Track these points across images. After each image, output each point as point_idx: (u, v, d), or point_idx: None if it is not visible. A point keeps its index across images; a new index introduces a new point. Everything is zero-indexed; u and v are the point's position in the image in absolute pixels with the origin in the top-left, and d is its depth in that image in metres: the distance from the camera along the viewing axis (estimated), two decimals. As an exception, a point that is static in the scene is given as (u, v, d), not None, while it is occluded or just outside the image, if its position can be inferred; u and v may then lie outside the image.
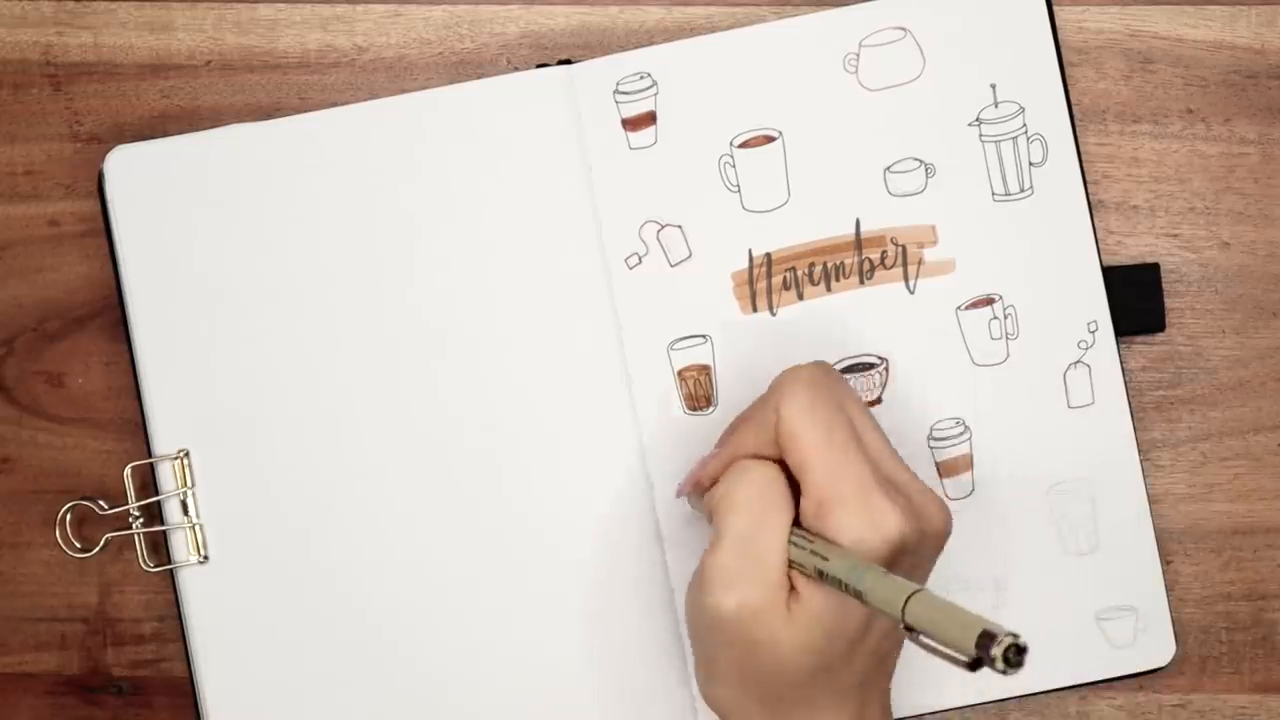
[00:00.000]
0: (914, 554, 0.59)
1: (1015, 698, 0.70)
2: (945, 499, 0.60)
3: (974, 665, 0.51)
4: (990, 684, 0.70)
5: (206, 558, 0.70)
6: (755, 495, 0.60)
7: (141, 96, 0.73)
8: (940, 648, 0.52)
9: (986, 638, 0.50)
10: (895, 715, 0.70)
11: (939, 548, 0.61)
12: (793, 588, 0.58)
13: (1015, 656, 0.50)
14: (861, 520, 0.57)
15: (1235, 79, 0.71)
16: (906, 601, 0.53)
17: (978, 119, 0.70)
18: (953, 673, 0.69)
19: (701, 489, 0.64)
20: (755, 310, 0.70)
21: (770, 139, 0.70)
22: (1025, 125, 0.70)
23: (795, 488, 0.60)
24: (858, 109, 0.70)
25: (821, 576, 0.57)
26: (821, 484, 0.58)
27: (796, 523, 0.59)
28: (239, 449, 0.70)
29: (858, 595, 0.56)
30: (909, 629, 0.53)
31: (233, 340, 0.70)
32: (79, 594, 0.73)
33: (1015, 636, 0.50)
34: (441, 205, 0.70)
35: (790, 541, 0.59)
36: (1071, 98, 0.70)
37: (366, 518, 0.70)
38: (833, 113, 0.70)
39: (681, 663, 0.69)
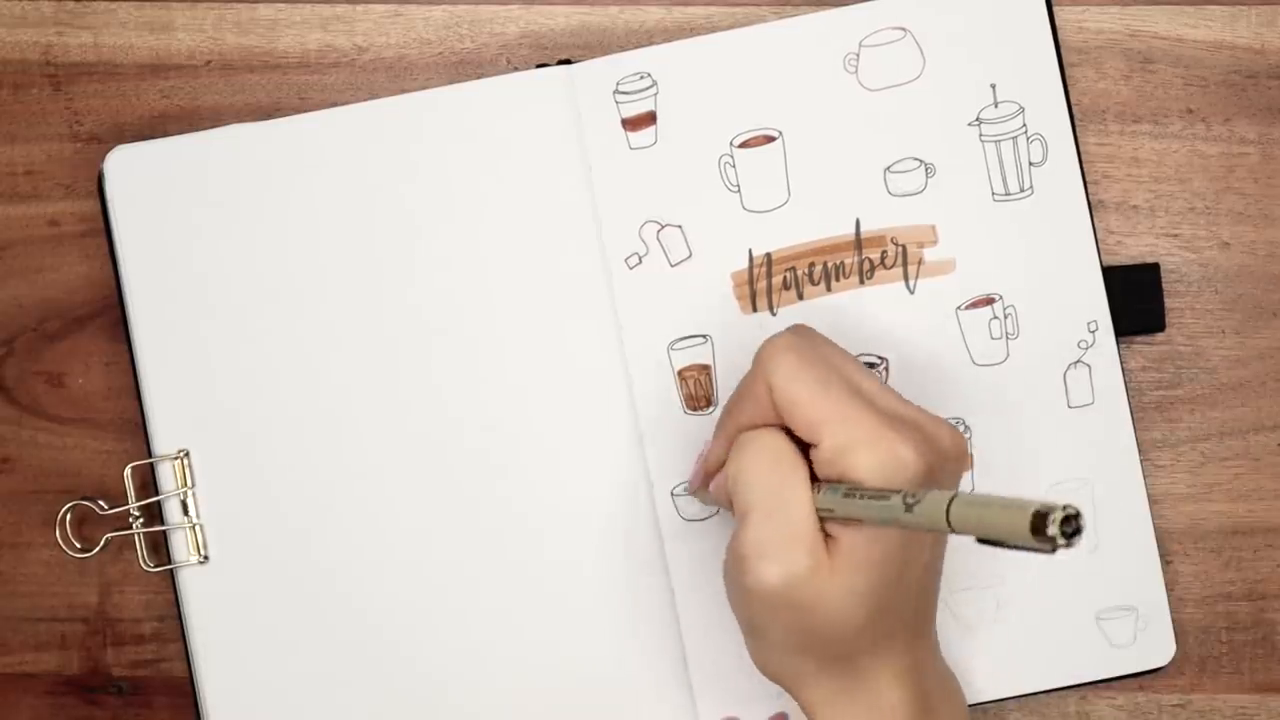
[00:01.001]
0: (936, 482, 0.59)
1: (1015, 697, 0.70)
2: (952, 424, 0.60)
3: (1044, 547, 0.50)
4: (990, 684, 0.70)
5: (206, 558, 0.70)
6: (767, 462, 0.59)
7: (141, 96, 0.73)
8: (1001, 539, 0.51)
9: (1039, 518, 0.49)
10: (895, 715, 0.70)
11: (959, 472, 0.61)
12: (828, 537, 0.58)
13: (1072, 527, 0.49)
14: (880, 459, 0.57)
15: (1235, 79, 0.71)
16: (949, 509, 0.52)
17: (978, 119, 0.70)
18: (954, 673, 0.70)
19: (709, 478, 0.64)
20: (755, 310, 0.70)
21: (770, 139, 0.70)
22: (1025, 125, 0.70)
23: (800, 446, 0.60)
24: (858, 109, 0.70)
25: (850, 521, 0.57)
26: (833, 434, 0.58)
27: (812, 477, 0.59)
28: (239, 449, 0.70)
29: (897, 522, 0.55)
30: (977, 538, 0.52)
31: (233, 340, 0.70)
32: (79, 594, 0.73)
33: (1066, 508, 0.49)
34: (441, 205, 0.70)
35: (814, 494, 0.59)
36: (1071, 98, 0.70)
37: (366, 517, 0.70)
38: (833, 113, 0.70)
39: (681, 661, 0.70)
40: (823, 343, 0.62)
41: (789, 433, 0.60)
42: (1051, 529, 0.49)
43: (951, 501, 0.52)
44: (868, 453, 0.57)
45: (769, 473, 0.59)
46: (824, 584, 0.58)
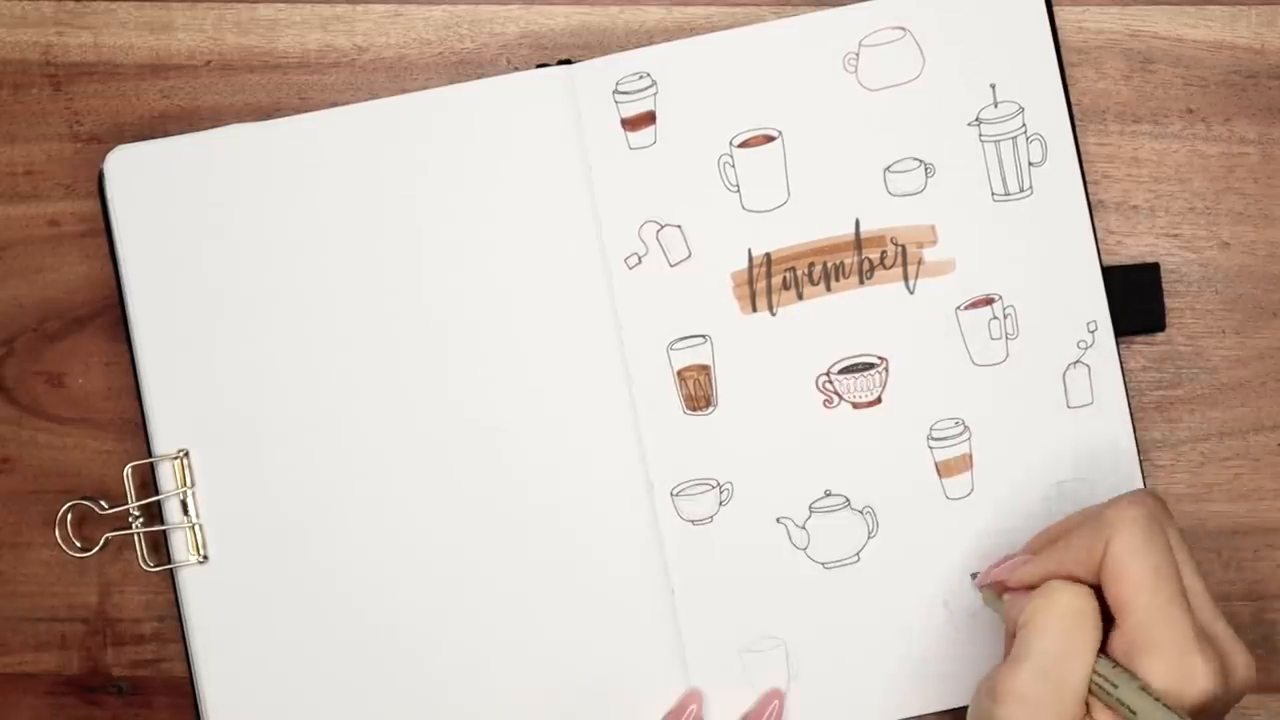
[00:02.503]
0: (1218, 710, 0.59)
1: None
2: (1250, 656, 0.60)
3: None
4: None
5: (206, 558, 0.70)
6: (1067, 621, 0.59)
7: (141, 96, 0.73)
8: None
9: None
10: (893, 715, 0.70)
11: (1239, 700, 0.60)
12: (1088, 713, 0.58)
13: None
14: (1174, 672, 0.57)
15: (1235, 79, 0.71)
16: None
17: (977, 119, 0.70)
18: (951, 673, 0.70)
19: (1003, 589, 0.64)
20: (755, 310, 0.70)
21: (770, 139, 0.70)
22: (1025, 125, 0.70)
23: (1105, 615, 0.59)
24: (857, 109, 0.70)
25: (1119, 705, 0.57)
26: (1140, 628, 0.58)
27: (1102, 650, 0.59)
28: (239, 449, 0.70)
29: None
30: None
31: (233, 340, 0.70)
32: (79, 594, 0.73)
33: None
34: (441, 205, 0.70)
35: (1097, 672, 0.58)
36: (1071, 98, 0.70)
37: (366, 517, 0.70)
38: (832, 112, 0.70)
39: (680, 661, 0.69)
40: (1171, 526, 0.61)
41: (1098, 591, 0.60)
42: None
43: None
44: (1166, 660, 0.57)
45: (1064, 634, 0.59)
46: None
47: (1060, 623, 0.59)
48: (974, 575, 0.69)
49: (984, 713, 0.60)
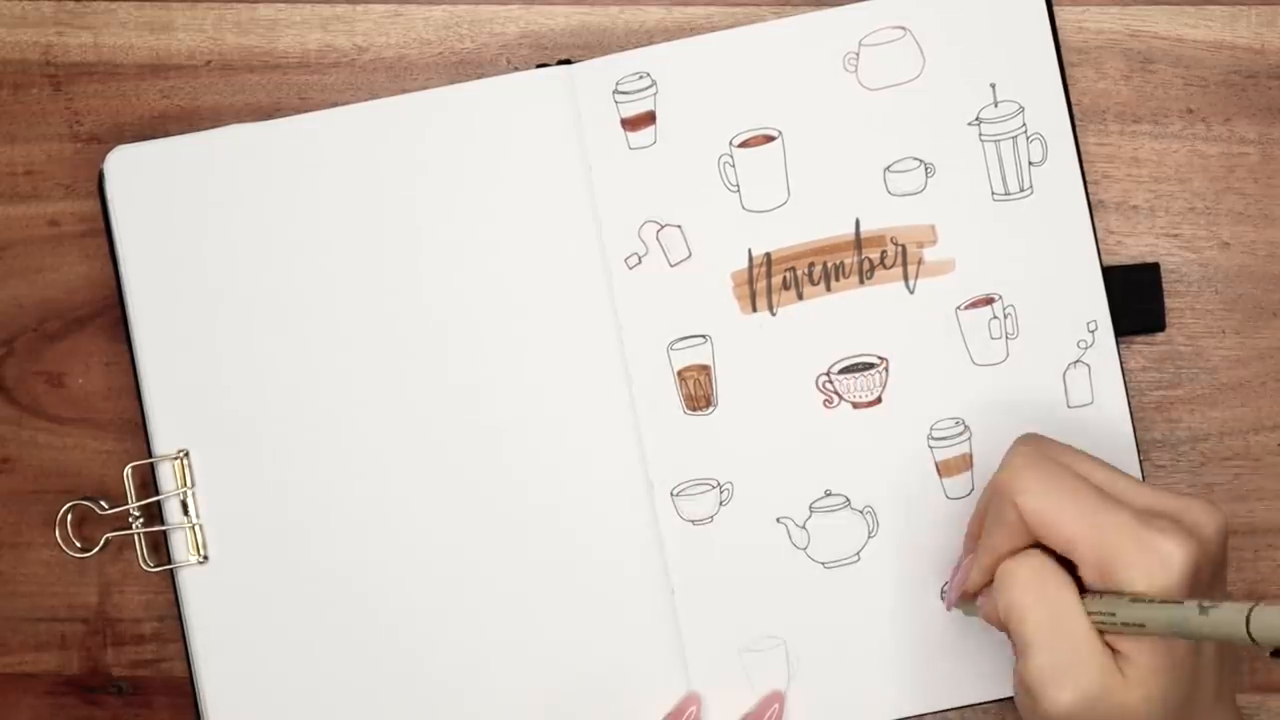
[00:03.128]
0: (1208, 564, 0.58)
1: (1014, 698, 0.70)
2: (1205, 499, 0.60)
3: None
4: (991, 685, 0.70)
5: (206, 558, 0.70)
6: (1036, 590, 0.59)
7: (141, 96, 0.73)
8: None
9: None
10: (893, 715, 0.70)
11: (1224, 542, 0.60)
12: (1114, 650, 0.58)
13: None
14: (1147, 565, 0.57)
15: (1235, 79, 0.71)
16: (1249, 618, 0.52)
17: (977, 118, 0.70)
18: (951, 673, 0.70)
19: (969, 596, 0.64)
20: (755, 310, 0.70)
21: (770, 138, 0.70)
22: (1025, 125, 0.70)
23: (1061, 560, 0.60)
24: (857, 108, 0.70)
25: (1127, 628, 0.57)
26: (1093, 549, 0.58)
27: (1083, 593, 0.59)
28: (239, 449, 0.70)
29: (1188, 629, 0.55)
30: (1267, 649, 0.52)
31: (233, 340, 0.70)
32: (79, 594, 0.73)
33: None
34: (441, 205, 0.70)
35: (1090, 612, 0.58)
36: (1071, 98, 0.70)
37: (366, 518, 0.70)
38: (832, 112, 0.70)
39: (680, 661, 0.69)
40: (1057, 449, 0.61)
41: (1046, 548, 0.60)
42: None
43: (1252, 611, 0.52)
44: (1133, 560, 0.57)
45: (1041, 603, 0.59)
46: (1121, 697, 0.57)
47: (1030, 594, 0.59)
48: (942, 597, 0.70)
49: (1029, 713, 0.60)
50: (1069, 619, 0.58)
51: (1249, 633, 0.52)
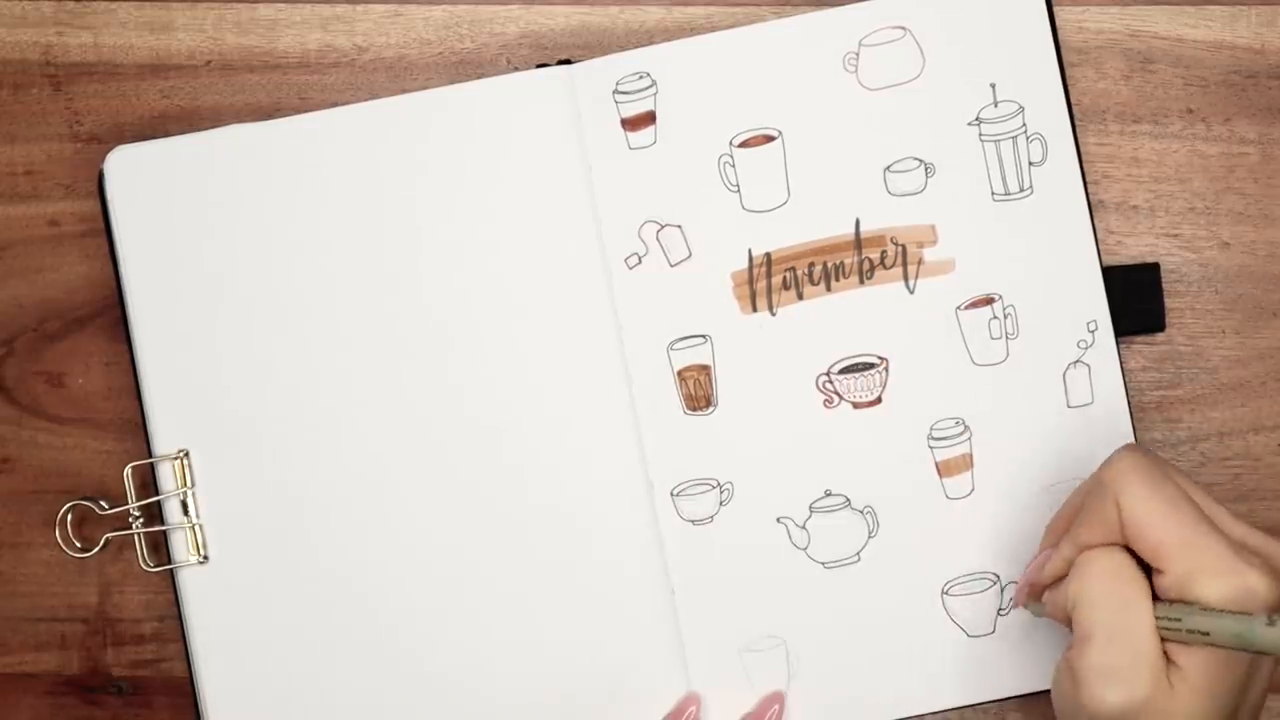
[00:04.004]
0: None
1: (1014, 698, 0.70)
2: None
3: None
4: (991, 685, 0.70)
5: (206, 558, 0.70)
6: (1113, 586, 0.59)
7: (141, 96, 0.73)
8: None
9: None
10: (893, 715, 0.70)
11: None
12: (1169, 662, 0.58)
13: None
14: (1229, 588, 0.57)
15: (1235, 79, 0.71)
16: None
17: (977, 118, 0.70)
18: (951, 673, 0.70)
19: (1040, 590, 0.64)
20: (755, 310, 0.70)
21: (770, 138, 0.70)
22: (1025, 125, 0.70)
23: (1143, 566, 0.60)
24: (857, 108, 0.70)
25: (1190, 635, 0.57)
26: (1181, 560, 0.58)
27: (1154, 599, 0.59)
28: (239, 449, 0.70)
29: (1252, 641, 0.55)
30: None
31: (233, 340, 0.70)
32: (79, 594, 0.73)
33: None
34: (441, 205, 0.70)
35: (1157, 617, 0.58)
36: (1071, 98, 0.70)
37: (365, 518, 0.70)
38: (832, 112, 0.70)
39: (680, 661, 0.69)
40: (1165, 463, 0.61)
41: (1130, 552, 0.60)
42: None
43: None
44: (1216, 582, 0.57)
45: (1113, 595, 0.59)
46: (1165, 707, 0.58)
47: (1104, 586, 0.59)
48: (1001, 611, 0.70)
49: (1069, 700, 0.60)
50: (1136, 618, 0.58)
51: None
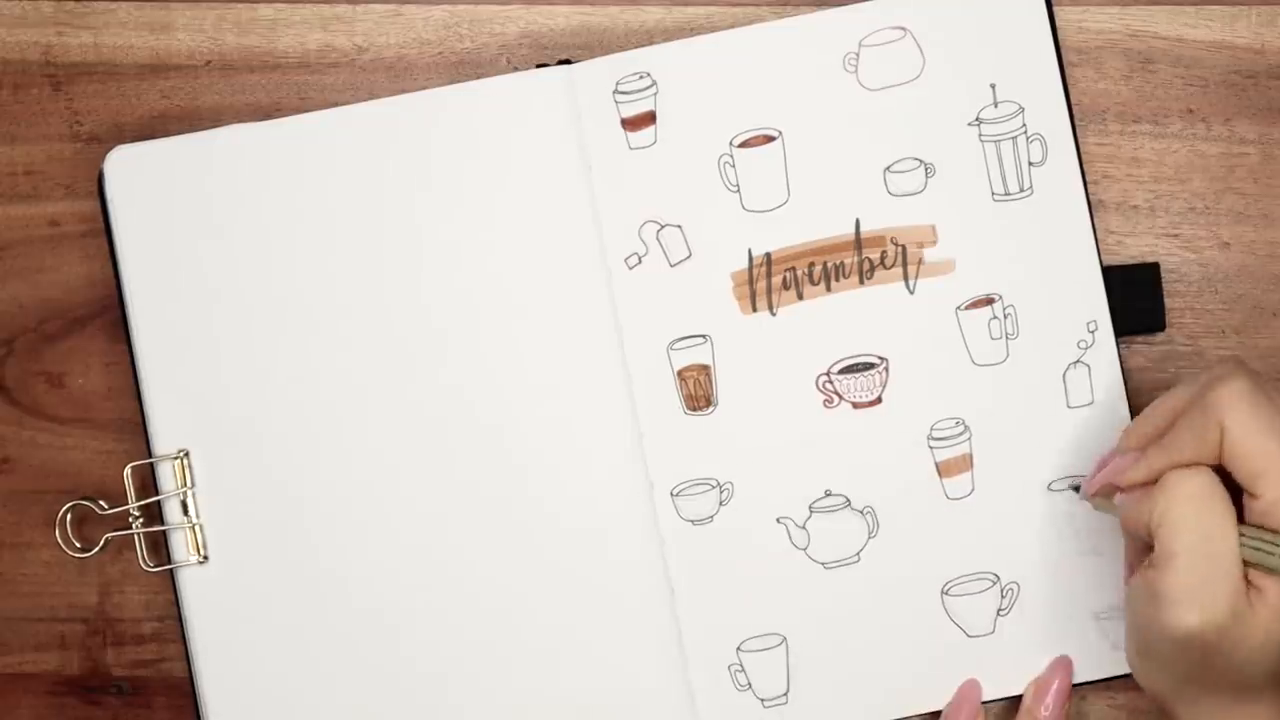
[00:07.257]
0: None
1: (1015, 697, 0.70)
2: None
3: None
4: (991, 685, 0.70)
5: (206, 558, 0.70)
6: (1199, 505, 0.59)
7: (141, 96, 0.73)
8: None
9: None
10: (893, 715, 0.70)
11: None
12: (1251, 586, 0.58)
13: None
14: None
15: (1235, 79, 0.71)
16: None
17: (977, 119, 0.70)
18: (951, 673, 0.70)
19: (1113, 491, 0.64)
20: (755, 310, 0.70)
21: (770, 139, 0.70)
22: (1025, 125, 0.70)
23: (1230, 485, 0.60)
24: (857, 109, 0.70)
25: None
26: (1278, 487, 0.58)
27: (1241, 521, 0.59)
28: (239, 449, 0.70)
29: None
30: None
31: (233, 340, 0.70)
32: (79, 594, 0.73)
33: None
34: (441, 205, 0.70)
35: (1242, 543, 0.59)
36: (1071, 98, 0.70)
37: (366, 517, 0.70)
38: (832, 112, 0.70)
39: (680, 661, 0.69)
40: (1268, 386, 0.61)
41: (1219, 471, 0.60)
42: None
43: None
44: None
45: (1202, 521, 0.59)
46: (1244, 631, 0.58)
47: (1194, 508, 0.59)
48: (1076, 488, 0.69)
49: (1145, 617, 0.60)
50: (1222, 542, 0.58)
51: None
